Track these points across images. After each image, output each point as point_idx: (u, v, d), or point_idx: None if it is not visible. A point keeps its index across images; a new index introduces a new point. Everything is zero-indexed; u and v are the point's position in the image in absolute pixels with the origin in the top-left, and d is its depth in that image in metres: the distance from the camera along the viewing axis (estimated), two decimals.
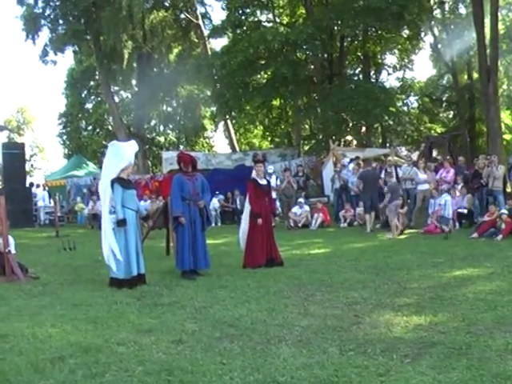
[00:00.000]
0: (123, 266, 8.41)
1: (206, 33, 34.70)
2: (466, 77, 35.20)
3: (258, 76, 30.82)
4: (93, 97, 46.65)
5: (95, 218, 22.05)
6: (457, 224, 15.51)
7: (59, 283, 9.01)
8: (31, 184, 26.55)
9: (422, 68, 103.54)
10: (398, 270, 9.09)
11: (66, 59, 76.68)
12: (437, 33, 34.85)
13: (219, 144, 52.81)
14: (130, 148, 9.11)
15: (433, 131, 34.73)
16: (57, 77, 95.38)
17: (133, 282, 8.39)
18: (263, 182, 10.49)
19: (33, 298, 7.81)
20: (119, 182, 8.59)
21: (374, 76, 34.10)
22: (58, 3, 32.25)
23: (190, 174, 9.57)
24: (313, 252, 12.14)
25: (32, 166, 60.79)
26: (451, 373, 4.30)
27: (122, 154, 8.80)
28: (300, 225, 18.12)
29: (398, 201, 15.30)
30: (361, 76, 32.60)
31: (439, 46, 35.01)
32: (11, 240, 9.65)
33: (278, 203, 18.81)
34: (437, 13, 32.80)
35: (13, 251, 9.54)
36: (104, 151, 48.21)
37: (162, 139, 46.76)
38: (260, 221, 9.99)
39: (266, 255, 10.13)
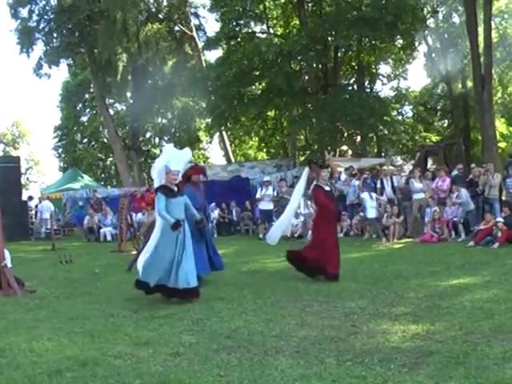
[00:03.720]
0: (154, 271, 8.05)
1: (200, 45, 34.76)
2: (460, 85, 35.31)
3: (253, 87, 30.79)
4: (88, 109, 46.55)
5: (91, 231, 22.03)
6: (453, 233, 15.51)
7: (56, 296, 8.98)
8: (30, 198, 26.54)
9: (417, 77, 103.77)
10: (395, 280, 9.11)
11: (61, 72, 76.68)
12: (430, 42, 35.02)
13: (214, 155, 52.78)
14: (180, 155, 9.17)
15: (428, 140, 34.76)
16: (52, 90, 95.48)
17: (162, 291, 8.11)
18: (327, 188, 10.00)
19: (29, 311, 7.77)
20: (162, 190, 8.35)
21: (368, 86, 34.09)
22: (52, 16, 32.25)
23: (197, 185, 9.69)
24: None
25: (28, 179, 60.70)
26: (449, 382, 4.31)
27: (174, 159, 8.71)
28: (296, 235, 18.08)
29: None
30: (355, 86, 32.56)
31: (433, 55, 35.14)
32: (7, 254, 9.63)
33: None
34: (430, 22, 32.85)
35: (9, 265, 9.52)
36: (99, 164, 48.51)
37: (157, 151, 46.68)
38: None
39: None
